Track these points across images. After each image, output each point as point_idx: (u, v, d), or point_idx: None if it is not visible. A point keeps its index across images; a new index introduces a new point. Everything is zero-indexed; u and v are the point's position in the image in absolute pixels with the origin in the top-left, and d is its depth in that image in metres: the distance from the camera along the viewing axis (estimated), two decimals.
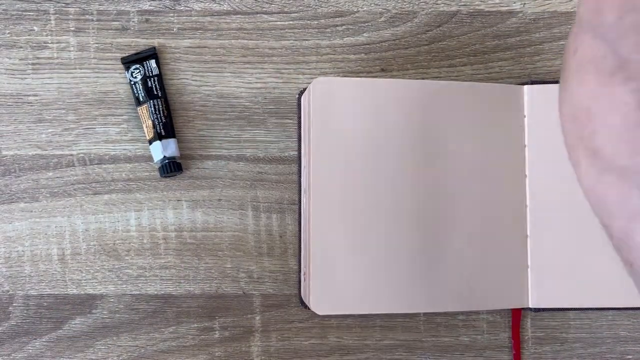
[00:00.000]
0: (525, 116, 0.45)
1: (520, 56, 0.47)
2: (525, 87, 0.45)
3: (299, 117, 0.46)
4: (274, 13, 0.47)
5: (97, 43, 0.46)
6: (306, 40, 0.47)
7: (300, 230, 0.46)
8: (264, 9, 0.47)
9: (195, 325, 0.46)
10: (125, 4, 0.47)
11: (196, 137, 0.46)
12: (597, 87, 0.21)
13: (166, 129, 0.45)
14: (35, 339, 0.46)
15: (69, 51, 0.46)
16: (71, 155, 0.46)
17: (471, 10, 0.47)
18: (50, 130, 0.46)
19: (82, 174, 0.46)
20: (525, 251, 0.45)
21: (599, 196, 0.22)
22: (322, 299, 0.42)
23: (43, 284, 0.46)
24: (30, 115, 0.46)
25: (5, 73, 0.46)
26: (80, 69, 0.46)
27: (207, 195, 0.46)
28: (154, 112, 0.44)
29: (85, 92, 0.46)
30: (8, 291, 0.46)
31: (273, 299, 0.46)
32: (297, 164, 0.46)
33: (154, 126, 0.44)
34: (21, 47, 0.46)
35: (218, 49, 0.47)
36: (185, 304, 0.46)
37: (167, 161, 0.44)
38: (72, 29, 0.46)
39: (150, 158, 0.46)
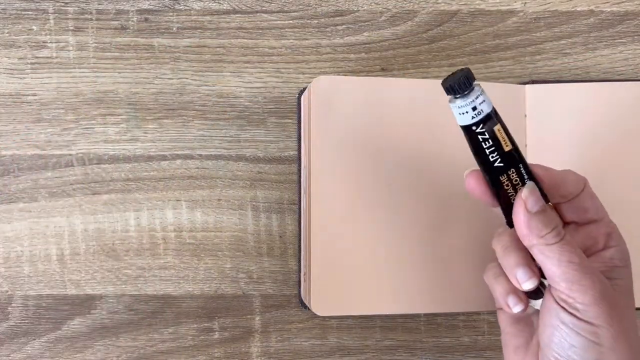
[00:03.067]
0: (526, 116, 0.45)
1: (521, 55, 0.47)
2: (526, 86, 0.45)
3: (299, 117, 0.46)
4: (274, 12, 0.47)
5: (96, 42, 0.46)
6: (306, 39, 0.47)
7: (300, 231, 0.45)
8: (264, 8, 0.47)
9: (195, 325, 0.46)
10: (124, 3, 0.46)
11: (196, 137, 0.46)
12: None
13: None
14: (34, 339, 0.46)
15: (68, 50, 0.46)
16: (70, 155, 0.46)
17: (472, 10, 0.47)
18: (49, 130, 0.46)
19: (81, 174, 0.46)
20: None
21: None
22: (322, 299, 0.42)
23: (42, 284, 0.46)
24: (29, 115, 0.46)
25: (4, 72, 0.46)
26: (79, 68, 0.46)
27: (207, 195, 0.46)
28: None
29: (84, 91, 0.46)
30: (7, 291, 0.46)
31: (273, 299, 0.46)
32: (297, 164, 0.46)
33: None
34: (20, 47, 0.46)
35: (217, 49, 0.47)
36: (184, 304, 0.46)
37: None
38: (71, 28, 0.46)
39: (149, 158, 0.46)
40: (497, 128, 0.32)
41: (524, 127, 0.45)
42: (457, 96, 0.32)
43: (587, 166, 0.45)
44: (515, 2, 0.47)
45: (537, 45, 0.47)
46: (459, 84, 0.31)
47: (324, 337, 0.46)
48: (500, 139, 0.32)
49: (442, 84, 0.32)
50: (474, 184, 0.34)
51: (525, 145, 0.45)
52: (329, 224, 0.42)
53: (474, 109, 0.31)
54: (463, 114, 0.32)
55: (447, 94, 0.32)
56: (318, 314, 0.42)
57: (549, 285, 0.33)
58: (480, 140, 0.32)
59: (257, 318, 0.46)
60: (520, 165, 0.33)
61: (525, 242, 0.33)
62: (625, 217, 0.45)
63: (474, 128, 0.32)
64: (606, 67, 0.47)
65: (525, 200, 0.32)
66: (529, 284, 0.34)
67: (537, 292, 0.35)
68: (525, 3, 0.47)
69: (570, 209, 0.35)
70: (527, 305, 0.35)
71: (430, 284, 0.44)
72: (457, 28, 0.47)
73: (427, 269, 0.43)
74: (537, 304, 0.36)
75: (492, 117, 0.32)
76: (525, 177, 0.33)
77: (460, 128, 0.33)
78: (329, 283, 0.42)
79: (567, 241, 0.32)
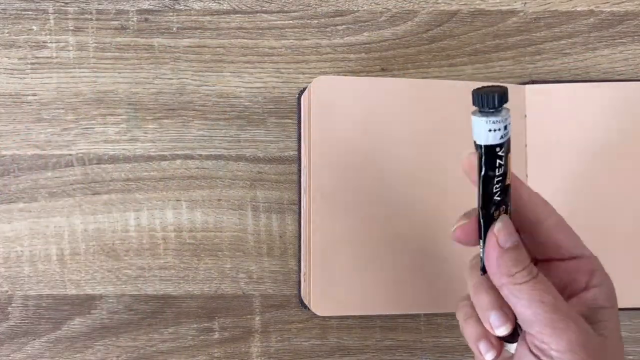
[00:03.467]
0: (526, 116, 0.45)
1: (521, 56, 0.47)
2: (526, 86, 0.45)
3: (299, 117, 0.46)
4: (274, 12, 0.47)
5: (96, 42, 0.46)
6: (306, 39, 0.47)
7: (300, 230, 0.45)
8: (264, 8, 0.47)
9: (195, 325, 0.46)
10: (124, 3, 0.46)
11: (195, 137, 0.46)
12: None
13: None
14: (34, 339, 0.46)
15: (68, 50, 0.46)
16: (70, 155, 0.46)
17: (472, 10, 0.47)
18: (49, 130, 0.46)
19: (81, 174, 0.46)
20: None
21: None
22: (322, 299, 0.42)
23: (42, 284, 0.46)
24: (29, 115, 0.46)
25: (4, 72, 0.46)
26: (79, 68, 0.46)
27: (207, 195, 0.46)
28: None
29: (84, 91, 0.46)
30: (7, 291, 0.46)
31: (273, 299, 0.46)
32: (297, 164, 0.46)
33: None
34: (20, 47, 0.46)
35: (217, 49, 0.47)
36: (184, 304, 0.46)
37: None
38: (71, 28, 0.46)
39: (149, 158, 0.46)
40: (509, 156, 0.29)
41: (524, 127, 0.45)
42: (492, 110, 0.27)
43: (586, 166, 0.45)
44: (515, 2, 0.47)
45: (537, 45, 0.47)
46: (501, 97, 0.27)
47: (324, 337, 0.46)
48: (508, 169, 0.29)
49: (478, 92, 0.28)
50: (463, 236, 0.32)
51: (525, 145, 0.45)
52: (329, 224, 0.42)
53: (506, 127, 0.28)
54: (494, 130, 0.27)
55: (480, 106, 0.28)
56: (318, 314, 0.42)
57: (523, 330, 0.30)
58: (497, 165, 0.29)
59: (257, 318, 0.46)
60: (510, 204, 0.30)
61: (495, 281, 0.30)
62: (625, 216, 0.45)
63: (497, 149, 0.28)
64: (606, 67, 0.47)
65: (498, 234, 0.30)
66: (503, 330, 0.30)
67: (514, 335, 0.31)
68: (525, 3, 0.47)
69: (542, 244, 0.32)
70: (500, 351, 0.32)
71: (430, 284, 0.44)
72: (457, 28, 0.47)
73: (427, 269, 0.43)
74: (513, 347, 0.32)
75: (509, 142, 0.28)
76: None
77: (477, 147, 0.29)
78: (329, 283, 0.42)
79: (540, 280, 0.29)
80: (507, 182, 0.29)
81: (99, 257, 0.46)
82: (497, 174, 0.29)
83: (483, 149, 0.28)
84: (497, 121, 0.27)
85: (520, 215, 0.31)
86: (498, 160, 0.28)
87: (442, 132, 0.43)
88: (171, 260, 0.46)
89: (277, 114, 0.47)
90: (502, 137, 0.28)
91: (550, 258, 0.32)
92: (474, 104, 0.28)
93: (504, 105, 0.28)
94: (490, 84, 0.28)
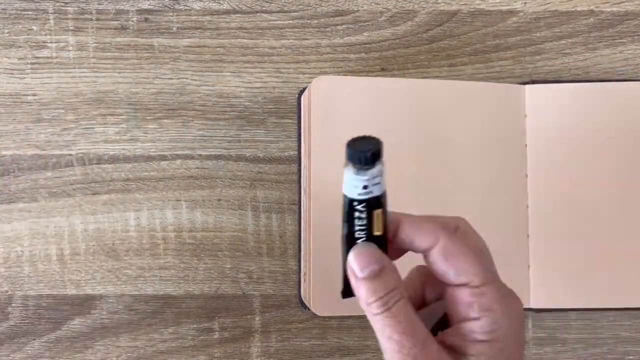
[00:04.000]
0: (526, 116, 0.45)
1: (521, 55, 0.47)
2: (527, 86, 0.45)
3: (299, 117, 0.46)
4: (274, 12, 0.47)
5: (96, 42, 0.46)
6: (306, 39, 0.47)
7: (300, 230, 0.45)
8: (264, 8, 0.47)
9: (195, 325, 0.46)
10: (124, 3, 0.46)
11: (195, 137, 0.46)
12: None
13: None
14: (34, 339, 0.46)
15: (68, 50, 0.46)
16: (70, 155, 0.46)
17: (472, 10, 0.47)
18: (49, 130, 0.46)
19: (81, 174, 0.46)
20: (527, 251, 0.45)
21: None
22: (322, 299, 0.42)
23: (42, 284, 0.46)
24: (29, 115, 0.46)
25: (4, 72, 0.46)
26: (79, 68, 0.46)
27: (207, 195, 0.46)
28: None
29: (84, 91, 0.46)
30: (7, 291, 0.46)
31: (273, 299, 0.46)
32: (297, 164, 0.46)
33: None
34: (20, 47, 0.46)
35: (217, 48, 0.47)
36: (184, 304, 0.46)
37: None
38: (71, 28, 0.46)
39: (149, 158, 0.46)
40: (377, 212, 0.29)
41: (524, 127, 0.45)
42: (357, 166, 0.28)
43: (586, 166, 0.45)
44: (515, 2, 0.47)
45: (537, 45, 0.47)
46: (367, 158, 0.28)
47: (324, 337, 0.46)
48: (374, 222, 0.30)
49: (350, 146, 0.28)
50: None
51: (525, 145, 0.45)
52: (329, 224, 0.42)
53: (365, 187, 0.28)
54: (355, 186, 0.29)
55: (348, 159, 0.29)
56: (318, 314, 0.42)
57: None
58: (355, 216, 0.30)
59: (257, 318, 0.46)
60: (382, 249, 0.31)
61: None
62: (625, 216, 0.45)
63: (355, 204, 0.29)
64: (606, 67, 0.47)
65: (350, 264, 0.29)
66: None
67: None
68: (525, 3, 0.47)
69: (433, 269, 0.30)
70: None
71: None
72: (457, 28, 0.47)
73: None
74: None
75: (378, 200, 0.29)
76: None
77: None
78: (329, 283, 0.42)
79: (394, 313, 0.28)
80: (377, 233, 0.30)
81: (99, 257, 0.46)
82: (356, 224, 0.30)
83: (344, 199, 0.30)
84: (356, 178, 0.28)
85: (408, 247, 0.31)
86: (357, 213, 0.29)
87: (442, 132, 0.43)
88: (171, 260, 0.46)
89: (277, 114, 0.47)
90: (359, 194, 0.29)
91: (445, 284, 0.31)
92: (346, 157, 0.29)
93: (376, 163, 0.28)
94: (367, 135, 0.28)
